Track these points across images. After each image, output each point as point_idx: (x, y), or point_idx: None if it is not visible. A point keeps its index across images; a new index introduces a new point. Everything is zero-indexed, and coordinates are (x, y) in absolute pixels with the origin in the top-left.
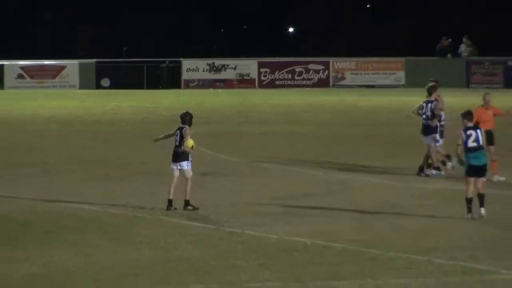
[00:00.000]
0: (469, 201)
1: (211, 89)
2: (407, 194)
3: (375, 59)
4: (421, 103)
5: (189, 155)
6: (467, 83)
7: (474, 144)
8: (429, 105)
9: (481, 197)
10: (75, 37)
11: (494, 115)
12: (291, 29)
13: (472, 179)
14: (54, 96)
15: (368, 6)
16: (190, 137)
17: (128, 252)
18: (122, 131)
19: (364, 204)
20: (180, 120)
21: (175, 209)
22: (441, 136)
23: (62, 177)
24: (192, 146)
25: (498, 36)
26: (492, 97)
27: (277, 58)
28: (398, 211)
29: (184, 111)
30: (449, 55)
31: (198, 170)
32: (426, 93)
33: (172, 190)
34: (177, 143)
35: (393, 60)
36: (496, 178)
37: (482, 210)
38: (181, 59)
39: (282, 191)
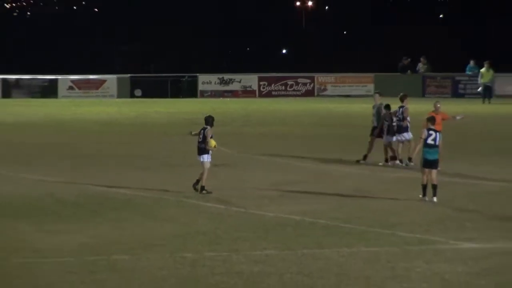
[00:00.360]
0: (423, 187)
1: (221, 98)
2: (375, 181)
3: (351, 74)
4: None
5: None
6: (423, 94)
7: (432, 142)
8: (401, 109)
9: (434, 187)
10: (114, 57)
11: (442, 119)
12: (284, 51)
13: (426, 170)
14: (97, 104)
15: (344, 32)
16: (212, 137)
17: (155, 227)
18: (151, 131)
19: (342, 189)
20: (204, 121)
21: (196, 190)
22: (393, 134)
23: (103, 167)
24: (215, 146)
25: (447, 57)
26: (441, 104)
27: (273, 73)
28: (368, 195)
29: (208, 115)
30: (408, 71)
31: (210, 162)
32: (399, 101)
33: (204, 176)
34: (200, 140)
35: (364, 75)
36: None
37: (435, 199)
38: (198, 74)
39: (277, 179)
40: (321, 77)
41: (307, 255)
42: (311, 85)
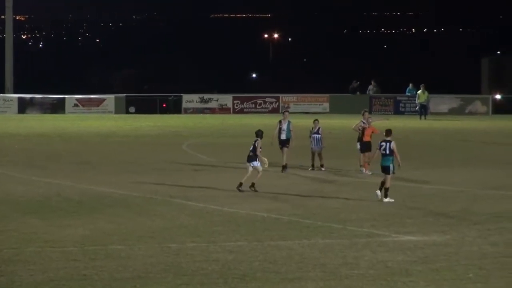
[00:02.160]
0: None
1: (201, 114)
2: (329, 183)
3: (309, 95)
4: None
5: (257, 157)
6: (370, 111)
7: (384, 152)
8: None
9: (386, 190)
10: (113, 80)
11: (372, 132)
12: (254, 75)
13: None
14: (97, 119)
15: (304, 60)
16: (261, 149)
17: (146, 221)
18: (143, 142)
19: (301, 190)
20: (255, 135)
21: (241, 190)
22: (317, 144)
23: (102, 171)
24: (266, 164)
25: (390, 80)
26: (390, 120)
27: (245, 94)
28: (323, 195)
29: (258, 129)
30: (358, 92)
31: (192, 167)
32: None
33: (245, 178)
34: (251, 149)
35: (321, 95)
36: (365, 172)
37: (385, 199)
38: (182, 94)
39: (246, 181)
40: (285, 97)
41: (273, 246)
42: (277, 104)
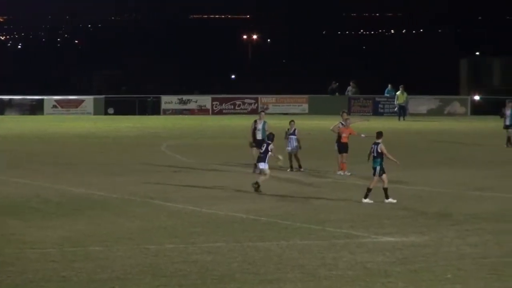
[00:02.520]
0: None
1: (180, 115)
2: (308, 185)
3: (288, 96)
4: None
5: (266, 160)
6: (349, 112)
7: (374, 154)
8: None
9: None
10: (91, 81)
11: (350, 134)
12: (233, 76)
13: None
14: (76, 120)
15: (283, 61)
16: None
17: (124, 223)
18: (122, 143)
19: (280, 191)
20: (266, 138)
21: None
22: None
23: (82, 173)
24: (280, 160)
25: (369, 81)
26: (370, 121)
27: (224, 95)
28: (302, 196)
29: (269, 132)
30: (337, 93)
31: (171, 169)
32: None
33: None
34: (261, 151)
35: (300, 96)
36: (340, 173)
37: (386, 200)
38: (161, 95)
39: (226, 183)
40: (264, 98)
41: (251, 247)
42: (255, 105)
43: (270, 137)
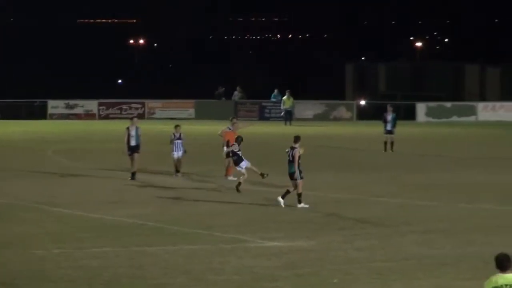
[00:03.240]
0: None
1: (67, 120)
2: (194, 189)
3: (175, 100)
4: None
5: (242, 158)
6: (236, 116)
7: (289, 158)
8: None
9: (298, 196)
10: None
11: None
12: (120, 81)
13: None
14: None
15: (170, 65)
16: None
17: (11, 228)
18: (7, 147)
19: (167, 196)
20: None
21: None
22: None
23: None
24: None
25: (256, 86)
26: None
27: (111, 99)
28: (189, 200)
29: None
30: (223, 98)
31: (57, 173)
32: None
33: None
34: (236, 151)
35: (187, 101)
36: (229, 178)
37: (298, 205)
38: (48, 100)
39: (114, 187)
40: (150, 103)
41: (138, 252)
42: (142, 109)
43: (239, 140)
